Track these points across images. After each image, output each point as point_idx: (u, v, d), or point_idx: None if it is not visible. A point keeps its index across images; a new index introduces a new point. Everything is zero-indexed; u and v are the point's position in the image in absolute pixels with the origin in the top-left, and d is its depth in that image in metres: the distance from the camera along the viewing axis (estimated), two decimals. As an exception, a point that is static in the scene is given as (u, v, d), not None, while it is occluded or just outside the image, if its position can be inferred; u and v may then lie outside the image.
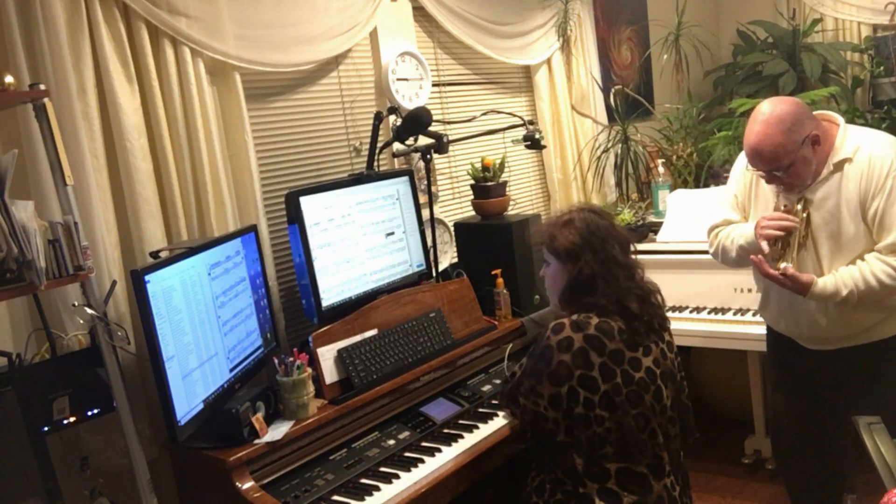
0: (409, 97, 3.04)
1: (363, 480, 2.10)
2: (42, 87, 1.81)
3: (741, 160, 2.25)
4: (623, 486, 1.86)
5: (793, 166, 2.02)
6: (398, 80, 2.99)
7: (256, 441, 2.03)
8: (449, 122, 3.19)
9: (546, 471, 1.97)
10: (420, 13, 3.14)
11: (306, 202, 2.43)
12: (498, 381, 2.65)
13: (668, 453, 1.92)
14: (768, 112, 2.02)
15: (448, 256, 3.18)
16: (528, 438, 2.11)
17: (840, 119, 2.12)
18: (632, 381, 1.85)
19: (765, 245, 2.07)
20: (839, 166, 2.05)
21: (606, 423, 1.83)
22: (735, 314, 2.97)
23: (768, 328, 2.42)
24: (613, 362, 1.84)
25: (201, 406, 2.00)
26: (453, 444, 2.26)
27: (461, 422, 2.40)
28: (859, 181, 2.02)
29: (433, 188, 3.01)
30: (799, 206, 2.10)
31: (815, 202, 2.09)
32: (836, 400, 2.24)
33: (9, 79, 1.75)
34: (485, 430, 2.34)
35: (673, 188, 3.59)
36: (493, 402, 2.50)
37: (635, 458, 1.86)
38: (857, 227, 2.04)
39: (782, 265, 2.06)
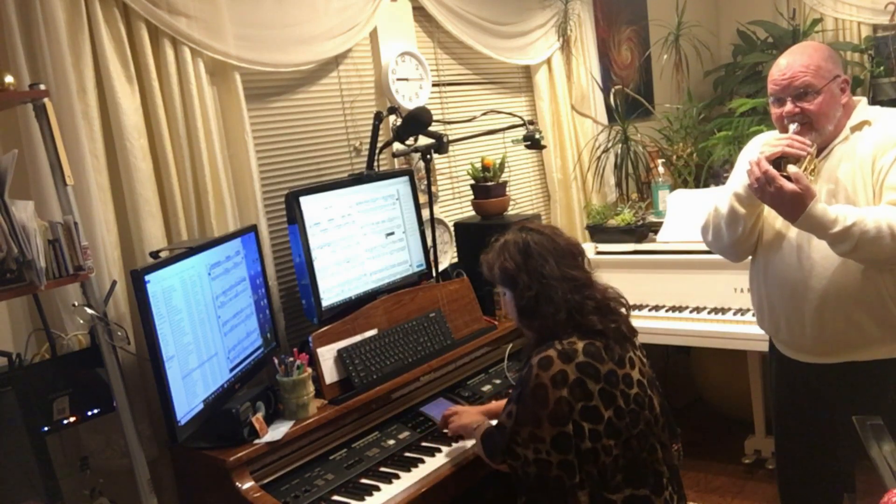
0: (409, 97, 3.04)
1: (363, 480, 2.10)
2: (42, 87, 1.81)
3: (748, 148, 2.17)
4: None
5: (820, 96, 1.92)
6: (398, 80, 2.99)
7: (256, 441, 2.03)
8: (449, 122, 3.19)
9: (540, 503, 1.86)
10: (420, 13, 3.14)
11: (306, 202, 2.43)
12: (498, 381, 2.65)
13: (667, 465, 1.87)
14: (803, 42, 1.97)
15: (448, 256, 3.18)
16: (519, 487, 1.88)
17: (863, 98, 2.09)
18: (630, 400, 1.79)
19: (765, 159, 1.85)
20: (858, 127, 1.98)
21: (614, 450, 1.76)
22: (735, 314, 2.97)
23: (771, 348, 2.25)
24: (610, 385, 1.77)
25: (201, 406, 2.00)
26: (453, 444, 2.26)
27: (461, 422, 2.40)
28: (875, 140, 1.92)
29: (433, 188, 3.01)
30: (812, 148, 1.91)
31: (829, 168, 1.95)
32: (844, 418, 2.00)
33: (9, 79, 1.75)
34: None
35: (673, 188, 3.59)
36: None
37: (645, 480, 1.80)
38: (870, 196, 1.89)
39: (791, 168, 1.80)
